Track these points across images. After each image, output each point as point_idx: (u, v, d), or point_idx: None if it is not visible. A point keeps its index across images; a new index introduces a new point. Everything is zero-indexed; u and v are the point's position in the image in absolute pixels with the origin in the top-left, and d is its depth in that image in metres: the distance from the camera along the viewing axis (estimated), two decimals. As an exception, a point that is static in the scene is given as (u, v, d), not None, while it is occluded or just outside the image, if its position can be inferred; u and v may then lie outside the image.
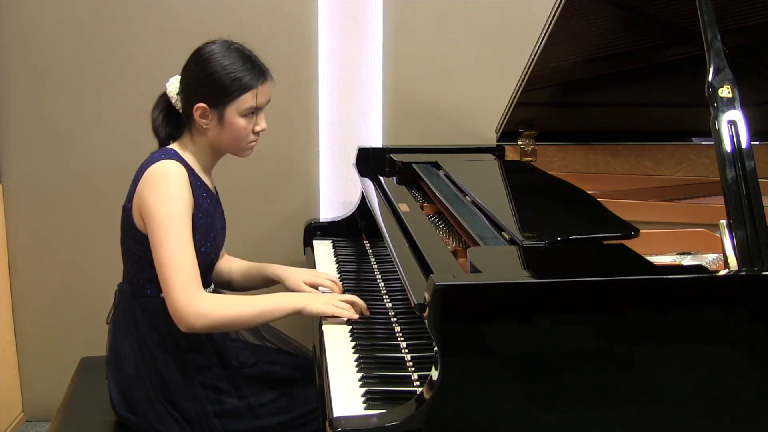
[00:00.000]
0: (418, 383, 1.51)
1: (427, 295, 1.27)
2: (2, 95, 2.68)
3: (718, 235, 1.45)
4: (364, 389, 1.48)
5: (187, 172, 1.77)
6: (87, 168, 2.74)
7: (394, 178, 2.33)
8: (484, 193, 1.94)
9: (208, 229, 1.81)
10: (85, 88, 2.70)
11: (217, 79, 1.75)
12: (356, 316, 1.78)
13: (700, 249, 1.78)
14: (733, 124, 1.46)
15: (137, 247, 1.78)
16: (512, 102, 2.33)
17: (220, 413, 1.79)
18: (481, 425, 1.30)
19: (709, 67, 1.51)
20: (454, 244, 1.78)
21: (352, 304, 1.79)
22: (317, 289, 1.96)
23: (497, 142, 2.52)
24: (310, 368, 1.87)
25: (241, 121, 1.78)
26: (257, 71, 1.79)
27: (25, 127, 2.71)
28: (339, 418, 1.34)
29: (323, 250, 2.37)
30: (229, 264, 2.09)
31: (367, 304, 1.82)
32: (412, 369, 1.57)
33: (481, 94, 2.73)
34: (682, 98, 2.28)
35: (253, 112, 1.80)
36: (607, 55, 2.23)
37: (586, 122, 2.49)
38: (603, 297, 1.30)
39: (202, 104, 1.76)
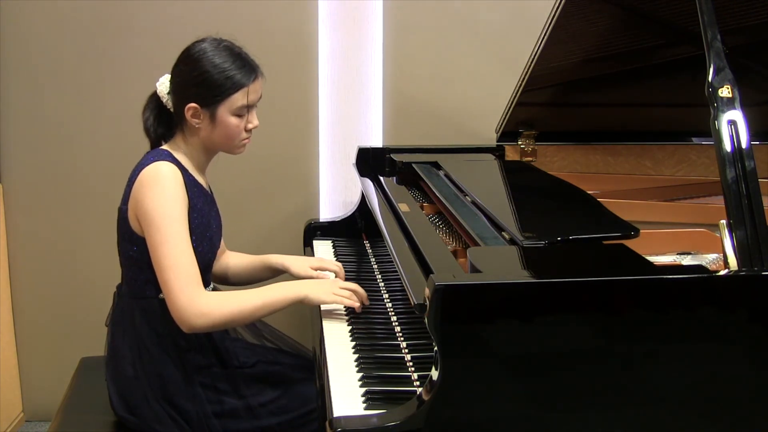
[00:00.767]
0: (418, 383, 1.51)
1: (427, 295, 1.27)
2: (2, 95, 2.68)
3: (718, 235, 1.45)
4: (364, 389, 1.48)
5: (181, 172, 1.76)
6: (87, 168, 2.74)
7: (394, 178, 2.33)
8: (484, 193, 1.93)
9: (204, 228, 1.81)
10: (85, 88, 2.70)
11: (208, 79, 1.74)
12: (358, 305, 1.79)
13: (700, 249, 1.78)
14: (733, 124, 1.46)
15: (134, 249, 1.78)
16: (512, 102, 2.33)
17: (220, 413, 1.79)
18: (481, 425, 1.30)
19: (709, 67, 1.51)
20: (454, 244, 1.78)
21: (354, 292, 1.79)
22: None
23: (497, 142, 2.52)
24: (310, 368, 1.87)
25: (233, 120, 1.78)
26: (248, 69, 1.78)
27: (25, 127, 2.71)
28: (339, 418, 1.34)
29: (323, 250, 2.37)
30: (226, 260, 2.09)
31: (367, 304, 1.82)
32: (412, 369, 1.57)
33: (481, 94, 2.73)
34: (682, 98, 2.28)
35: (245, 110, 1.80)
36: (607, 55, 2.23)
37: (586, 122, 2.49)
38: (603, 297, 1.30)
39: (193, 104, 1.76)
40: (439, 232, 1.87)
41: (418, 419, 1.28)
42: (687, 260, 1.73)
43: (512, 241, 1.55)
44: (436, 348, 1.27)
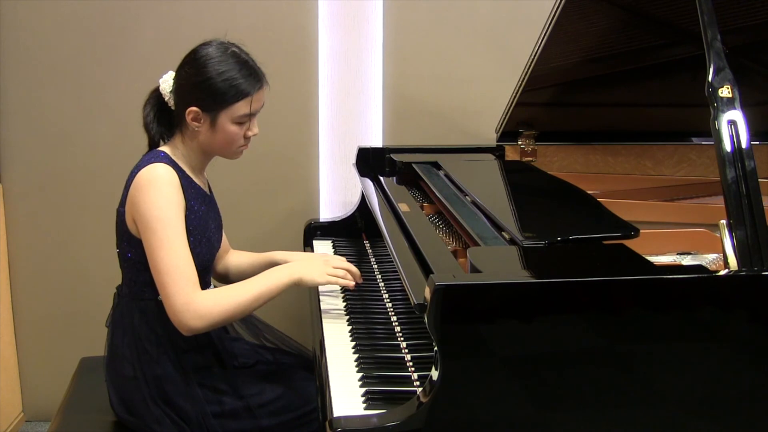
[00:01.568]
0: (418, 383, 1.52)
1: (427, 295, 1.27)
2: (2, 95, 2.68)
3: (718, 235, 1.45)
4: (364, 389, 1.48)
5: (178, 174, 1.76)
6: (87, 168, 2.74)
7: (394, 178, 2.33)
8: (484, 193, 1.93)
9: (203, 230, 1.81)
10: (84, 89, 2.70)
11: (212, 86, 1.73)
12: (352, 284, 1.80)
13: (700, 249, 1.78)
14: (733, 124, 1.46)
15: (132, 251, 1.78)
16: (512, 102, 2.33)
17: (219, 414, 1.79)
18: (481, 425, 1.30)
19: (709, 67, 1.51)
20: (454, 244, 1.78)
21: (347, 270, 1.80)
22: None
23: (497, 142, 2.52)
24: (310, 368, 1.87)
25: (234, 127, 1.77)
26: (253, 78, 1.76)
27: (25, 127, 2.71)
28: (339, 418, 1.34)
29: (323, 250, 2.37)
30: (229, 258, 2.09)
31: (367, 304, 1.82)
32: (412, 369, 1.57)
33: (481, 94, 2.73)
34: (682, 98, 2.28)
35: (247, 118, 1.78)
36: (607, 55, 2.23)
37: (586, 122, 2.49)
38: (603, 297, 1.30)
39: (194, 108, 1.75)
40: (439, 232, 1.87)
41: (418, 419, 1.28)
42: (687, 260, 1.73)
43: (512, 241, 1.55)
44: (436, 348, 1.28)
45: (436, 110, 2.76)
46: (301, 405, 1.84)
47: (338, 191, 2.81)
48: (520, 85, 2.26)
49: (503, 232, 1.62)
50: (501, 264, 1.44)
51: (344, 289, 1.93)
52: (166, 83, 1.81)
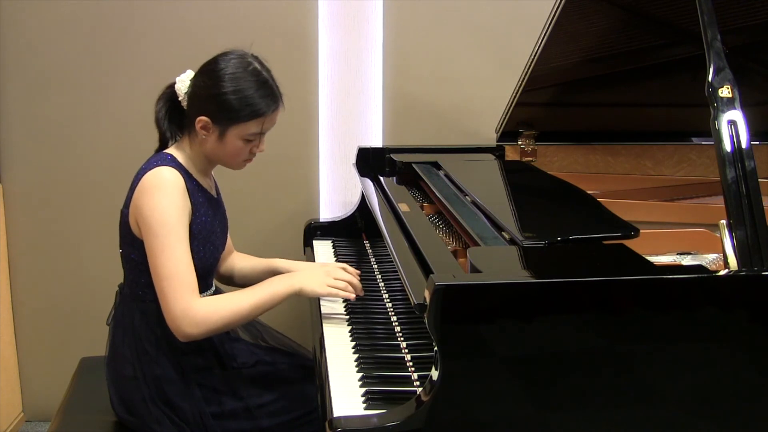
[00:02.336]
0: (418, 383, 1.52)
1: (427, 295, 1.27)
2: (2, 96, 2.68)
3: (718, 235, 1.45)
4: (364, 389, 1.48)
5: (184, 177, 1.75)
6: (87, 168, 2.74)
7: (394, 178, 2.33)
8: (484, 193, 1.93)
9: (208, 233, 1.80)
10: (85, 89, 2.70)
11: (226, 101, 1.71)
12: (353, 296, 1.78)
13: (700, 249, 1.78)
14: (733, 124, 1.46)
15: (135, 252, 1.77)
16: (512, 102, 2.33)
17: (219, 414, 1.79)
18: (480, 425, 1.30)
19: (709, 67, 1.51)
20: (454, 244, 1.77)
21: (348, 283, 1.78)
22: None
23: (497, 142, 2.52)
24: (310, 369, 1.87)
25: (241, 143, 1.76)
26: (269, 99, 1.75)
27: (25, 127, 2.71)
28: (339, 418, 1.33)
29: (323, 250, 2.37)
30: (233, 261, 2.08)
31: (367, 304, 1.82)
32: (412, 369, 1.57)
33: (481, 94, 2.73)
34: (682, 98, 2.28)
35: (256, 136, 1.77)
36: (607, 55, 2.23)
37: (586, 122, 2.49)
38: (603, 297, 1.30)
39: (205, 118, 1.74)
40: (439, 232, 1.87)
41: (418, 419, 1.28)
42: (687, 260, 1.73)
43: (512, 241, 1.55)
44: (436, 348, 1.27)
45: (436, 110, 2.76)
46: (301, 406, 1.84)
47: (338, 191, 2.81)
48: (520, 85, 2.26)
49: (503, 232, 1.62)
50: (501, 264, 1.44)
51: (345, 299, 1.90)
52: (183, 83, 1.78)
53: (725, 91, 1.49)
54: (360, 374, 1.55)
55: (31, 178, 2.74)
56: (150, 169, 1.73)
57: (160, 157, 1.77)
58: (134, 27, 2.66)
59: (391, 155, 2.39)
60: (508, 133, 2.48)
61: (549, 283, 1.30)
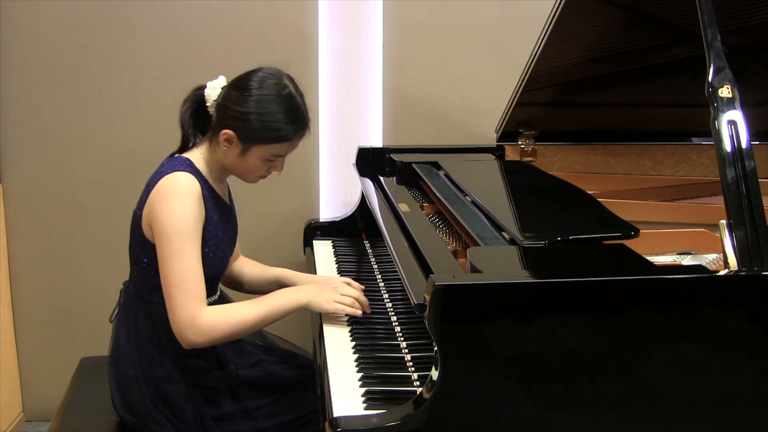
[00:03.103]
0: (418, 383, 1.52)
1: (427, 295, 1.27)
2: (2, 95, 2.68)
3: (718, 235, 1.45)
4: (364, 389, 1.48)
5: (200, 183, 1.74)
6: (87, 168, 2.74)
7: (394, 178, 2.33)
8: (484, 193, 1.93)
9: (219, 240, 1.80)
10: (85, 89, 2.69)
11: (254, 122, 1.71)
12: (359, 313, 1.76)
13: (700, 249, 1.78)
14: (733, 124, 1.46)
15: (144, 254, 1.77)
16: (512, 102, 2.33)
17: (219, 416, 1.79)
18: (480, 425, 1.30)
19: (709, 67, 1.51)
20: (454, 244, 1.78)
21: (355, 299, 1.77)
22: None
23: (497, 142, 2.52)
24: (309, 371, 1.87)
25: (261, 162, 1.77)
26: (298, 126, 1.75)
27: (25, 127, 2.71)
28: (339, 418, 1.34)
29: (323, 250, 2.37)
30: (241, 266, 2.08)
31: (367, 304, 1.82)
32: (412, 369, 1.57)
33: (481, 94, 2.73)
34: (682, 98, 2.28)
35: (278, 158, 1.78)
36: (607, 55, 2.23)
37: (586, 122, 2.49)
38: (603, 297, 1.30)
39: (231, 132, 1.73)
40: (439, 232, 1.87)
41: (418, 419, 1.28)
42: (687, 260, 1.73)
43: (512, 241, 1.55)
44: (436, 348, 1.28)
45: (436, 110, 2.76)
46: (300, 407, 1.84)
47: (338, 191, 2.81)
48: (520, 85, 2.26)
49: (503, 232, 1.62)
50: (501, 264, 1.44)
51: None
52: (214, 90, 1.77)
53: (725, 91, 1.49)
54: (360, 374, 1.55)
55: (31, 178, 2.74)
56: (167, 173, 1.72)
57: (177, 162, 1.76)
58: (134, 27, 2.66)
59: (391, 155, 2.40)
60: (508, 133, 2.48)
61: (549, 283, 1.30)
